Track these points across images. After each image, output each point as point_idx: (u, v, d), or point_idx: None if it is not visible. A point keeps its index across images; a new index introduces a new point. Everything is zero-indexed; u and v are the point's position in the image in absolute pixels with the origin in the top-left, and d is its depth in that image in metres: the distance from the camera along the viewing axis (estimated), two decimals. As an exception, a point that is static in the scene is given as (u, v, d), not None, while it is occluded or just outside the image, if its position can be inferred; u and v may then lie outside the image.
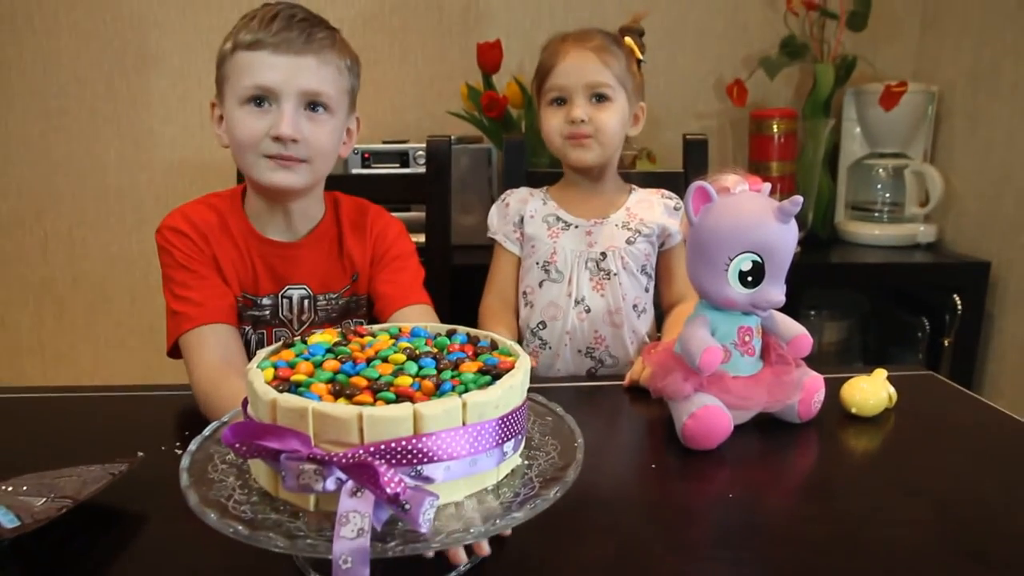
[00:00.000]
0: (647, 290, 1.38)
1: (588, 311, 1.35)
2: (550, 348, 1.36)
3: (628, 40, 1.36)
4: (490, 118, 2.09)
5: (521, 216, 1.40)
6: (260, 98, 1.10)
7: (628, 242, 1.36)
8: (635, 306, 1.35)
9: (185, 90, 2.32)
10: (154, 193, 2.34)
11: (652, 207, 1.39)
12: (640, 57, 1.36)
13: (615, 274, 1.35)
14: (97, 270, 2.42)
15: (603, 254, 1.35)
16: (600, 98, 1.30)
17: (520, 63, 2.25)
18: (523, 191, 1.45)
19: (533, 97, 1.41)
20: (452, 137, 1.63)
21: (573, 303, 1.35)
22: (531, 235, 1.39)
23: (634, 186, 1.45)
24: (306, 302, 1.23)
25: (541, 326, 1.37)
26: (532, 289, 1.38)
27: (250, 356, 1.20)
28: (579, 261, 1.35)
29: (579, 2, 2.31)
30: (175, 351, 1.14)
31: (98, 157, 2.36)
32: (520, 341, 1.39)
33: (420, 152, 2.03)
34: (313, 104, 1.12)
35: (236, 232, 1.20)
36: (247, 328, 1.22)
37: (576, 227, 1.38)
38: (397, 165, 2.06)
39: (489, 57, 2.11)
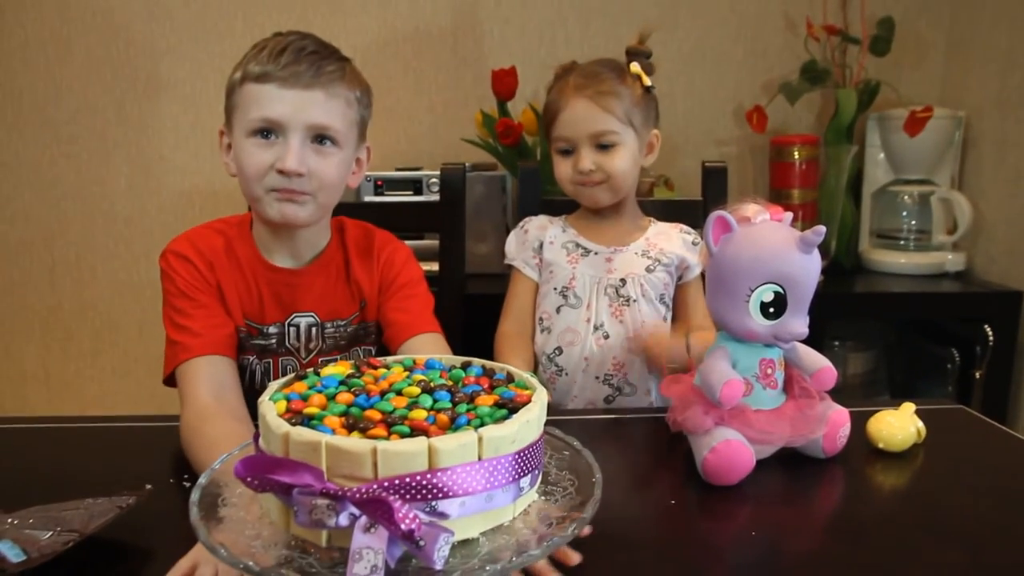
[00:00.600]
0: (665, 319, 1.38)
1: (606, 337, 1.36)
2: (566, 374, 1.37)
3: (635, 67, 1.36)
4: (505, 145, 2.11)
5: (540, 242, 1.43)
6: (267, 131, 1.12)
7: (648, 270, 1.38)
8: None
9: (196, 117, 2.35)
10: (163, 221, 2.37)
11: (671, 239, 1.42)
12: (648, 84, 1.36)
13: (634, 301, 1.36)
14: (104, 298, 2.44)
15: (622, 280, 1.37)
16: (606, 146, 1.33)
17: (535, 90, 2.27)
18: (542, 218, 1.47)
19: (544, 136, 1.44)
20: (466, 164, 1.65)
21: (592, 328, 1.36)
22: (550, 260, 1.41)
23: (652, 219, 1.47)
24: (313, 330, 1.23)
25: (557, 352, 1.37)
26: (549, 315, 1.40)
27: (255, 387, 1.21)
28: (598, 287, 1.37)
29: (595, 30, 2.34)
30: (171, 379, 1.14)
31: (108, 184, 2.39)
32: (535, 368, 1.40)
33: (434, 180, 2.05)
34: (320, 137, 1.13)
35: (243, 259, 1.21)
36: (251, 358, 1.22)
37: (595, 253, 1.40)
38: (411, 193, 2.07)
39: (504, 84, 2.13)
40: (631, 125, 1.33)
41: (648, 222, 1.46)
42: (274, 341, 1.22)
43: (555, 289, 1.39)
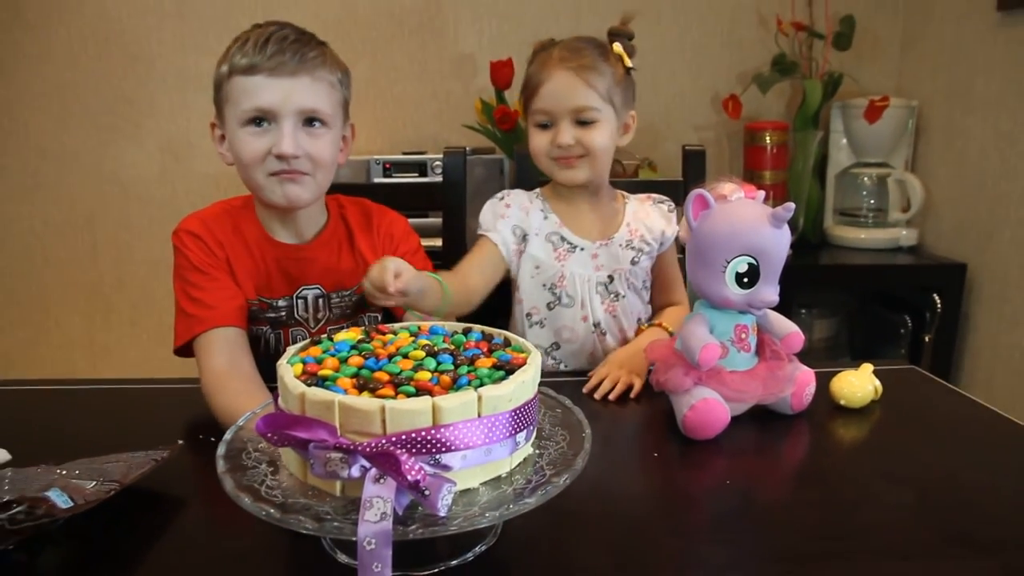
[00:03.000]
0: (647, 302, 1.34)
1: (604, 334, 1.28)
2: (565, 366, 1.30)
3: (617, 48, 1.24)
4: (502, 130, 2.09)
5: (524, 233, 1.27)
6: (260, 119, 1.09)
7: (633, 262, 1.28)
8: (639, 320, 1.31)
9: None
10: (191, 202, 2.35)
11: (649, 215, 1.31)
12: (629, 65, 1.24)
13: (623, 296, 1.28)
14: (141, 273, 2.44)
15: (610, 277, 1.27)
16: (586, 122, 1.20)
17: (530, 81, 2.26)
18: (521, 196, 1.31)
19: (521, 110, 1.31)
20: (467, 148, 1.63)
21: (592, 326, 1.27)
22: (535, 255, 1.27)
23: (624, 193, 1.35)
24: (320, 301, 1.21)
25: (555, 347, 1.30)
26: (539, 310, 1.28)
27: (270, 356, 1.19)
28: (589, 285, 1.27)
29: (585, 24, 2.30)
30: (182, 349, 1.12)
31: (143, 169, 2.38)
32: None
33: (437, 163, 2.03)
34: (310, 120, 1.10)
35: (249, 237, 1.18)
36: (265, 328, 1.20)
37: (582, 249, 1.27)
38: (416, 175, 2.06)
39: (501, 74, 2.11)
40: (611, 103, 1.21)
41: (622, 198, 1.34)
42: (284, 313, 1.20)
43: (544, 286, 1.27)
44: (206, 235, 1.15)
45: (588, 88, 1.19)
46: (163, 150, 2.36)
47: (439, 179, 1.62)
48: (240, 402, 0.95)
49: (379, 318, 1.27)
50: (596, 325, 1.27)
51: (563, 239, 1.27)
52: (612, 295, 1.27)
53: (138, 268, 2.43)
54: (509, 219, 1.28)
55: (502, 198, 1.31)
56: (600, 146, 1.21)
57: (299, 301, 1.20)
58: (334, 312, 1.23)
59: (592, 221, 1.29)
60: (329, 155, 1.13)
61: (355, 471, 0.61)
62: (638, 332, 1.29)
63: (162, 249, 2.37)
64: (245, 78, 1.08)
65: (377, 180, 2.03)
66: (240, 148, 1.10)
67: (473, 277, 1.22)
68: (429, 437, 0.61)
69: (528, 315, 1.29)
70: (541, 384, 0.74)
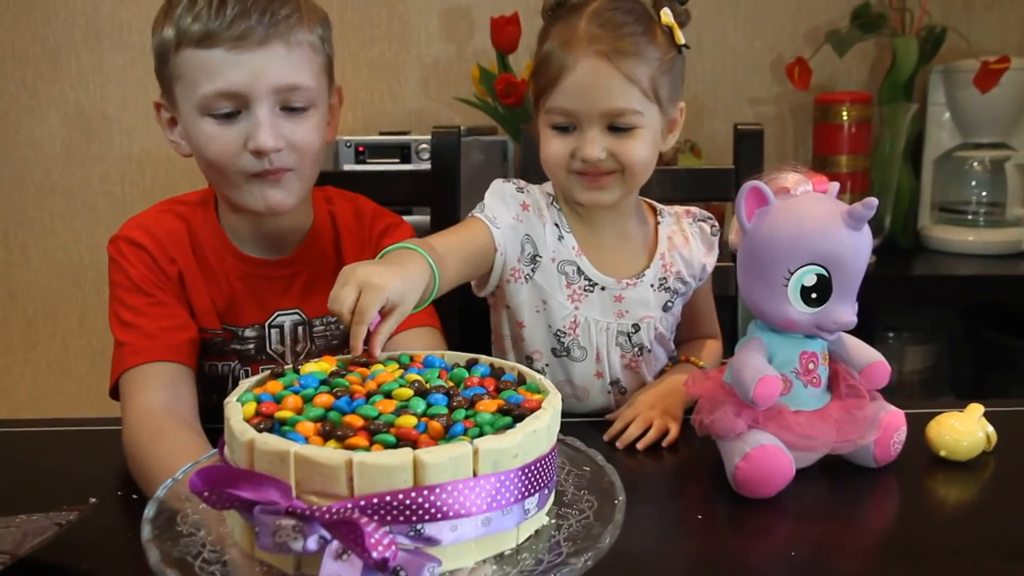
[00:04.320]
0: (672, 351, 1.33)
1: (623, 392, 1.27)
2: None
3: (666, 17, 1.16)
4: (506, 105, 2.09)
5: (534, 253, 1.22)
6: (225, 106, 1.07)
7: (665, 308, 1.26)
8: (664, 372, 1.31)
9: (147, 68, 2.31)
10: (108, 191, 2.37)
11: (688, 241, 1.29)
12: (681, 41, 1.18)
13: (648, 350, 1.26)
14: (39, 282, 2.44)
15: (635, 326, 1.25)
16: (622, 128, 1.14)
17: (541, 38, 2.27)
18: (540, 198, 1.26)
19: (532, 103, 1.25)
20: (461, 128, 1.64)
21: (608, 385, 1.26)
22: (543, 286, 1.23)
23: (656, 205, 1.32)
24: (300, 329, 1.21)
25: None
26: (541, 354, 1.26)
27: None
28: (607, 335, 1.24)
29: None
30: (116, 391, 1.10)
31: (41, 148, 2.38)
32: None
33: (424, 145, 2.05)
34: (289, 99, 1.09)
35: (209, 249, 1.17)
36: (234, 364, 1.19)
37: (603, 289, 1.23)
38: (397, 160, 2.07)
39: (505, 34, 2.12)
40: (656, 100, 1.15)
41: (653, 215, 1.31)
42: (252, 347, 1.19)
43: (549, 328, 1.24)
44: (153, 247, 1.14)
45: (628, 84, 1.12)
46: (69, 125, 2.37)
47: (426, 166, 1.63)
48: (175, 453, 0.94)
49: None
50: (614, 383, 1.27)
51: (580, 272, 1.24)
52: (635, 348, 1.26)
53: (36, 277, 2.43)
54: (522, 225, 1.23)
55: (521, 189, 1.26)
56: (640, 160, 1.16)
57: (272, 330, 1.20)
58: (317, 344, 1.22)
59: (618, 252, 1.27)
60: (317, 142, 1.13)
61: (311, 543, 0.61)
62: (664, 370, 1.30)
63: (68, 252, 2.41)
64: (200, 52, 1.05)
65: (348, 167, 2.05)
66: (203, 144, 1.09)
67: (449, 262, 1.07)
68: (408, 501, 0.61)
69: (529, 358, 1.27)
70: (564, 428, 0.74)
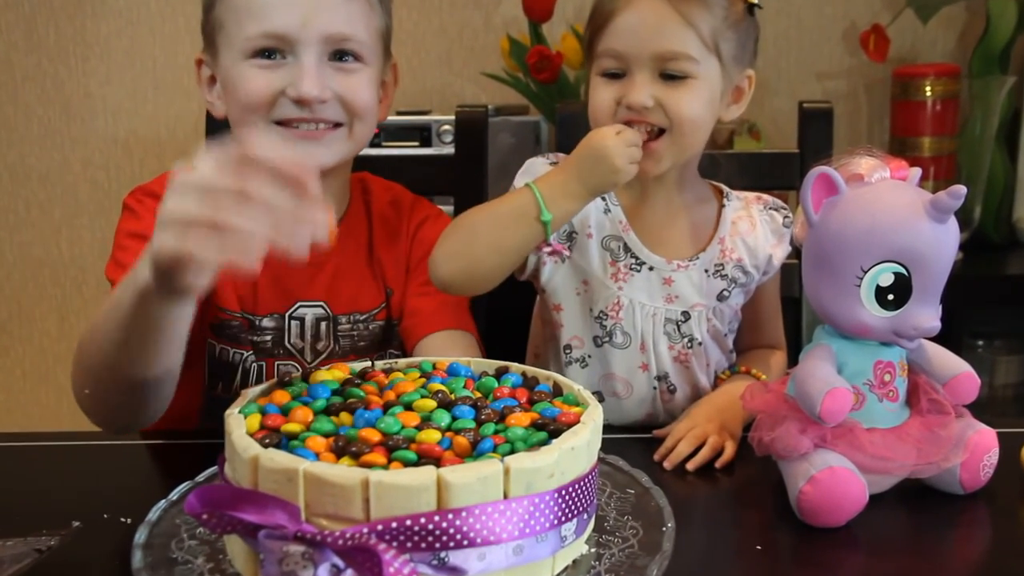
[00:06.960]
0: (730, 351, 1.34)
1: (672, 391, 1.27)
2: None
3: None
4: (539, 81, 2.10)
5: (570, 231, 1.26)
6: (270, 50, 1.10)
7: (721, 297, 1.27)
8: (717, 372, 1.31)
9: (134, 39, 2.35)
10: (91, 177, 2.38)
11: (755, 227, 1.30)
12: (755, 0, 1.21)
13: (699, 343, 1.27)
14: (13, 279, 2.46)
15: (685, 314, 1.26)
16: (675, 76, 1.16)
17: (579, 9, 2.26)
18: None
19: (584, 53, 1.29)
20: (489, 107, 1.65)
21: (653, 380, 1.27)
22: (584, 267, 1.26)
23: (720, 187, 1.35)
24: (323, 325, 1.22)
25: (598, 397, 1.20)
26: (582, 342, 1.28)
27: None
28: (655, 321, 1.25)
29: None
30: None
31: (15, 129, 2.40)
32: None
33: (447, 127, 2.05)
34: (341, 52, 1.12)
35: None
36: (247, 353, 1.20)
37: (651, 269, 1.25)
38: (416, 144, 2.08)
39: (538, 1, 2.12)
40: (716, 54, 1.17)
41: (718, 196, 1.33)
42: (270, 339, 1.21)
43: (590, 311, 1.26)
44: None
45: (684, 26, 1.15)
46: (46, 102, 2.39)
47: (449, 150, 1.64)
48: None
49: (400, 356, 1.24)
50: (661, 378, 1.27)
51: (626, 249, 1.26)
52: (685, 339, 1.27)
53: (9, 273, 2.46)
54: None
55: (555, 163, 1.26)
56: (691, 116, 1.17)
57: (293, 323, 1.21)
58: (341, 344, 1.23)
59: (672, 228, 1.29)
60: (370, 99, 1.15)
61: (323, 572, 0.62)
62: (717, 383, 1.30)
63: (46, 246, 2.43)
64: None
65: (363, 151, 2.06)
66: (239, 87, 1.11)
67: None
68: (432, 526, 0.62)
69: (568, 347, 1.29)
70: (605, 447, 0.75)
